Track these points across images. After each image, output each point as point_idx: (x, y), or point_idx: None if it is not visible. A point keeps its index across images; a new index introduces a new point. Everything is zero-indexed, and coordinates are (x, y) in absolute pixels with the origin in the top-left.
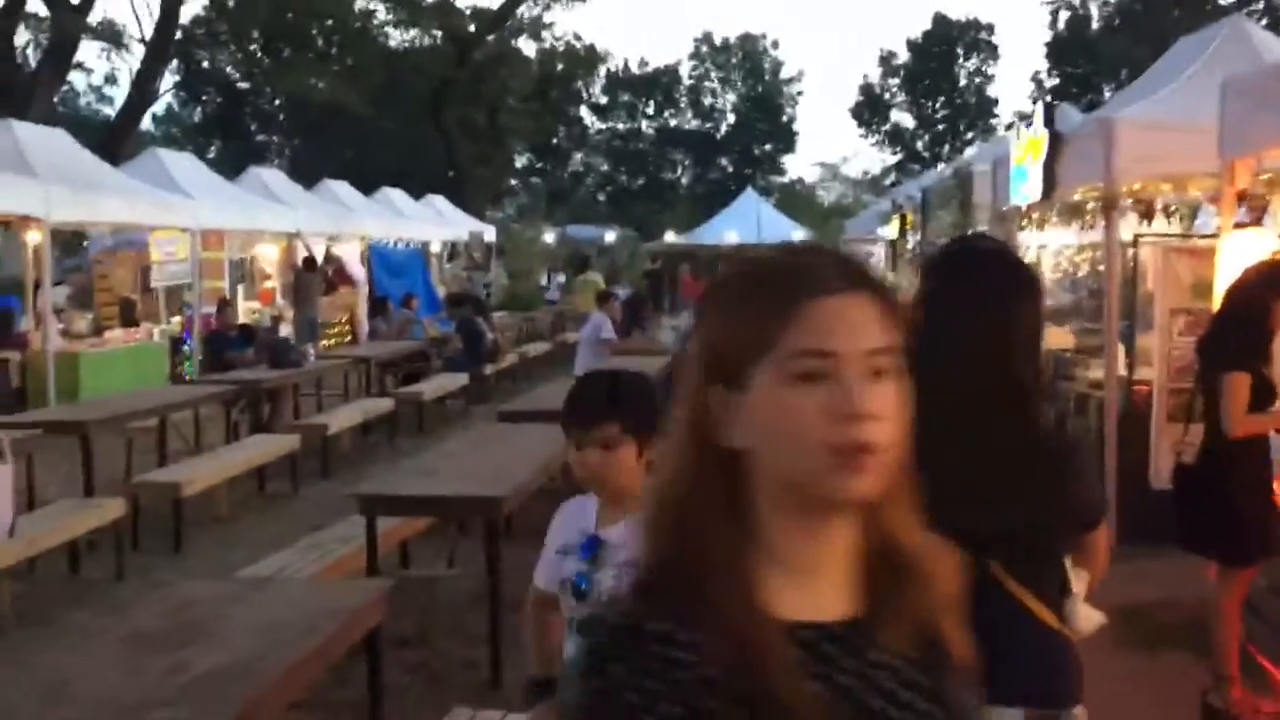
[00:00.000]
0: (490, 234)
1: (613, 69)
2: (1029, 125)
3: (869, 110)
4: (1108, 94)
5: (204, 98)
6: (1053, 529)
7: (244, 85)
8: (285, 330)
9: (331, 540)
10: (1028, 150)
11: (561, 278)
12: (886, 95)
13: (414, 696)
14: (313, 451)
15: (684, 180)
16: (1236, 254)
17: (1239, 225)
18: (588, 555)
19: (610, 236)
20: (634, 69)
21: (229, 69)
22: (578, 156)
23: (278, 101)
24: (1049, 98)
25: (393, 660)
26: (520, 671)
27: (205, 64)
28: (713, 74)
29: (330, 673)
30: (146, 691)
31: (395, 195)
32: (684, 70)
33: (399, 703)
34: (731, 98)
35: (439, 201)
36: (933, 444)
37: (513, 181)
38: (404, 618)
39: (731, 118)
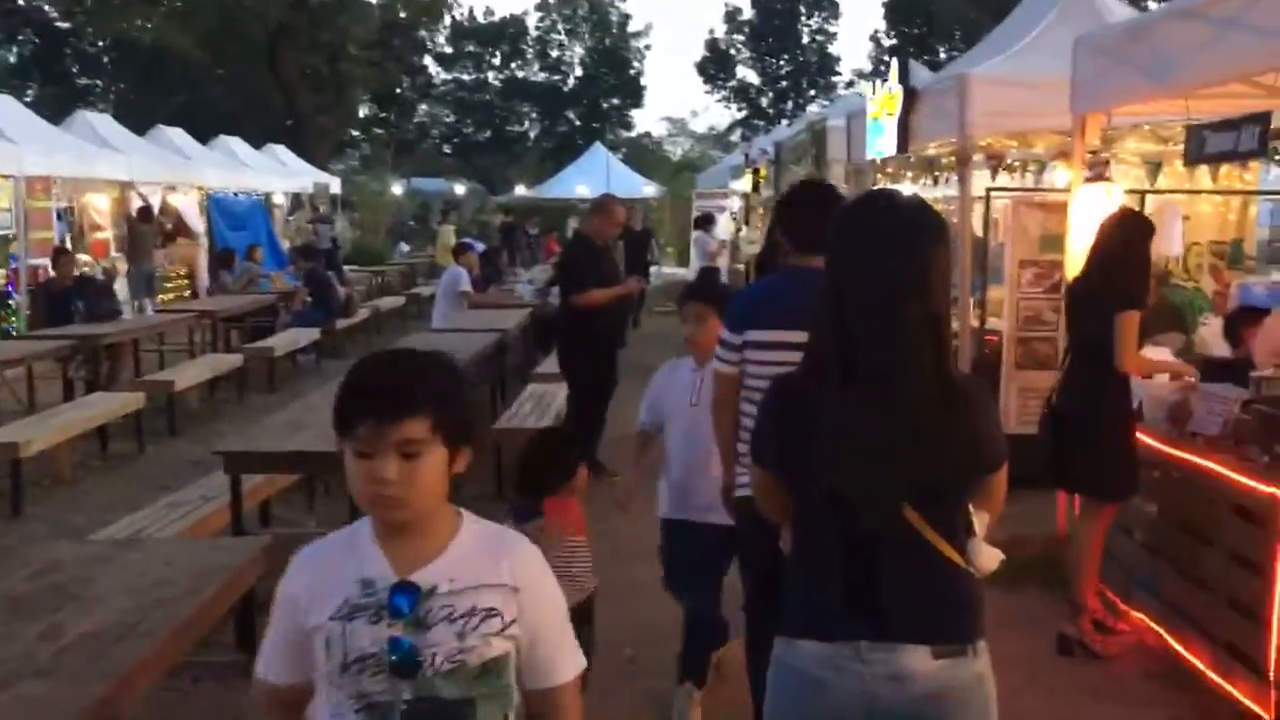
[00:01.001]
0: (335, 186)
1: (458, 18)
2: (884, 81)
3: (715, 66)
4: (943, 54)
5: (20, 38)
6: (963, 472)
7: (64, 25)
8: (120, 285)
9: (191, 499)
10: (883, 106)
11: (405, 248)
12: (732, 51)
13: None
14: (158, 410)
15: (531, 133)
16: (1087, 207)
17: (1087, 180)
18: (407, 609)
19: (459, 189)
20: (480, 18)
21: (47, 7)
22: (422, 108)
23: (102, 43)
24: (887, 56)
25: (261, 622)
26: None
27: (21, 1)
28: (560, 26)
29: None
30: (19, 659)
31: (234, 144)
32: (530, 21)
33: None
34: (579, 50)
35: (281, 151)
36: (849, 386)
37: (355, 132)
38: (269, 578)
39: (579, 71)
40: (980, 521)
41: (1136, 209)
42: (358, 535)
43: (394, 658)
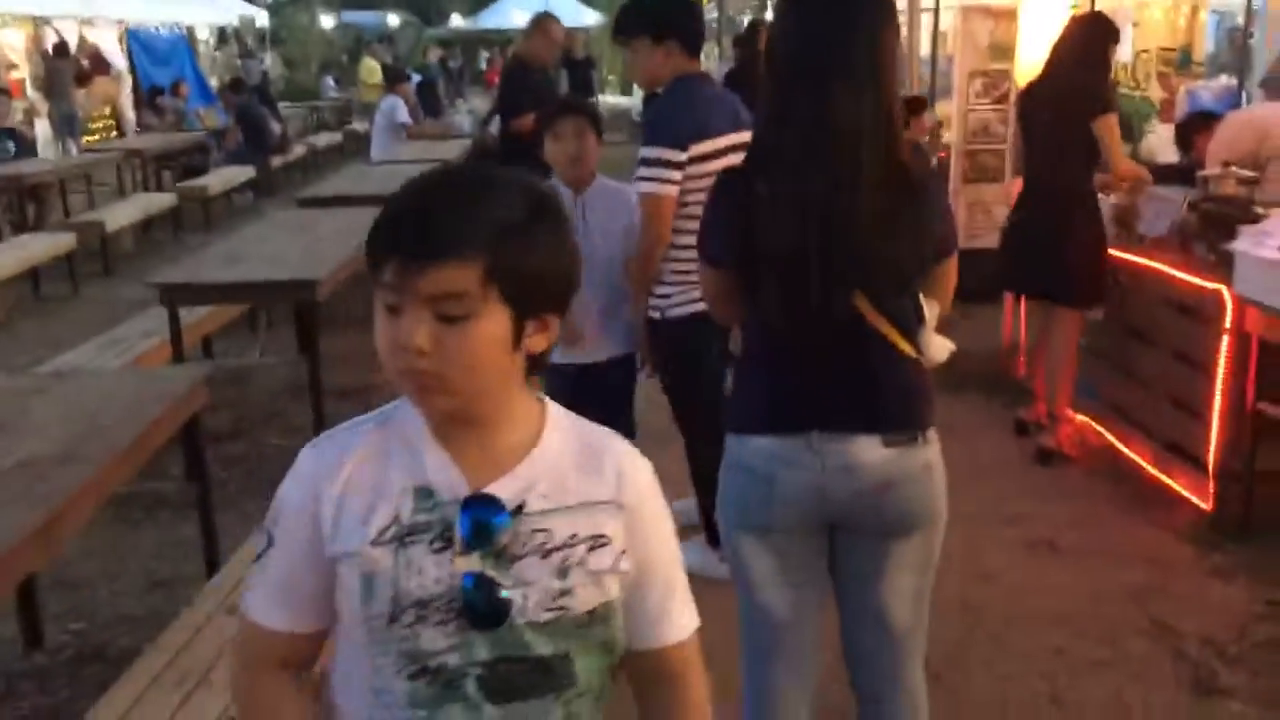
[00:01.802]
0: (262, 19)
1: None
2: None
3: None
4: None
5: None
6: (914, 259)
7: None
8: (41, 126)
9: (129, 336)
10: None
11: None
12: None
13: (237, 488)
14: (91, 252)
15: None
16: (1037, 13)
17: None
18: (488, 534)
19: (393, 21)
20: None
21: None
22: None
23: None
24: None
25: (209, 456)
26: None
27: None
28: None
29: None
30: None
31: None
32: None
33: (222, 495)
34: None
35: None
36: (804, 171)
37: None
38: (216, 412)
39: None
40: (930, 311)
41: (1094, 10)
42: (406, 425)
43: (471, 601)
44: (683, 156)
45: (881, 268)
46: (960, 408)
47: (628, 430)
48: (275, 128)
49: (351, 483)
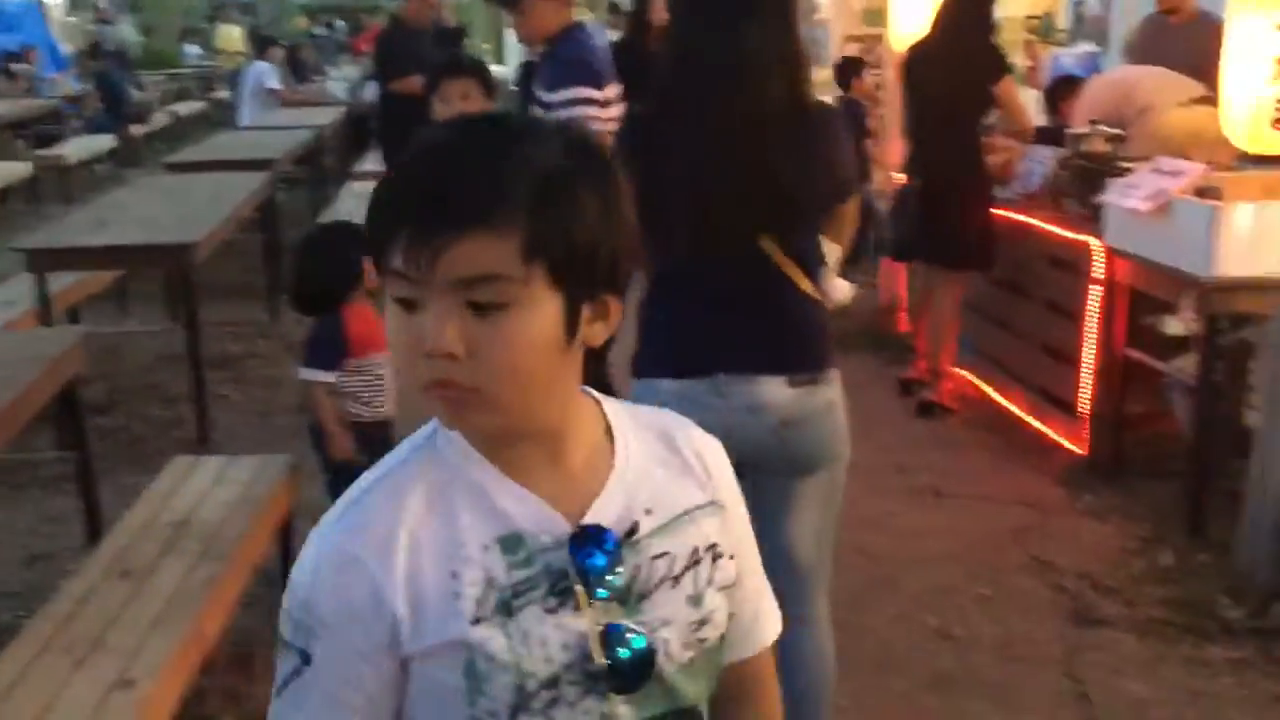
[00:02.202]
0: None
1: None
2: None
3: None
4: None
5: None
6: (818, 196)
7: None
8: None
9: None
10: None
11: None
12: None
13: (113, 461)
14: None
15: None
16: None
17: None
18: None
19: None
20: None
21: None
22: None
23: None
24: None
25: (94, 425)
26: (228, 429)
27: None
28: None
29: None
30: None
31: None
32: None
33: (98, 468)
34: None
35: None
36: (711, 108)
37: None
38: (90, 383)
39: None
40: (831, 253)
41: None
42: (456, 457)
43: (616, 662)
44: (602, 96)
45: (787, 204)
46: (844, 363)
47: None
48: (135, 95)
49: (416, 555)
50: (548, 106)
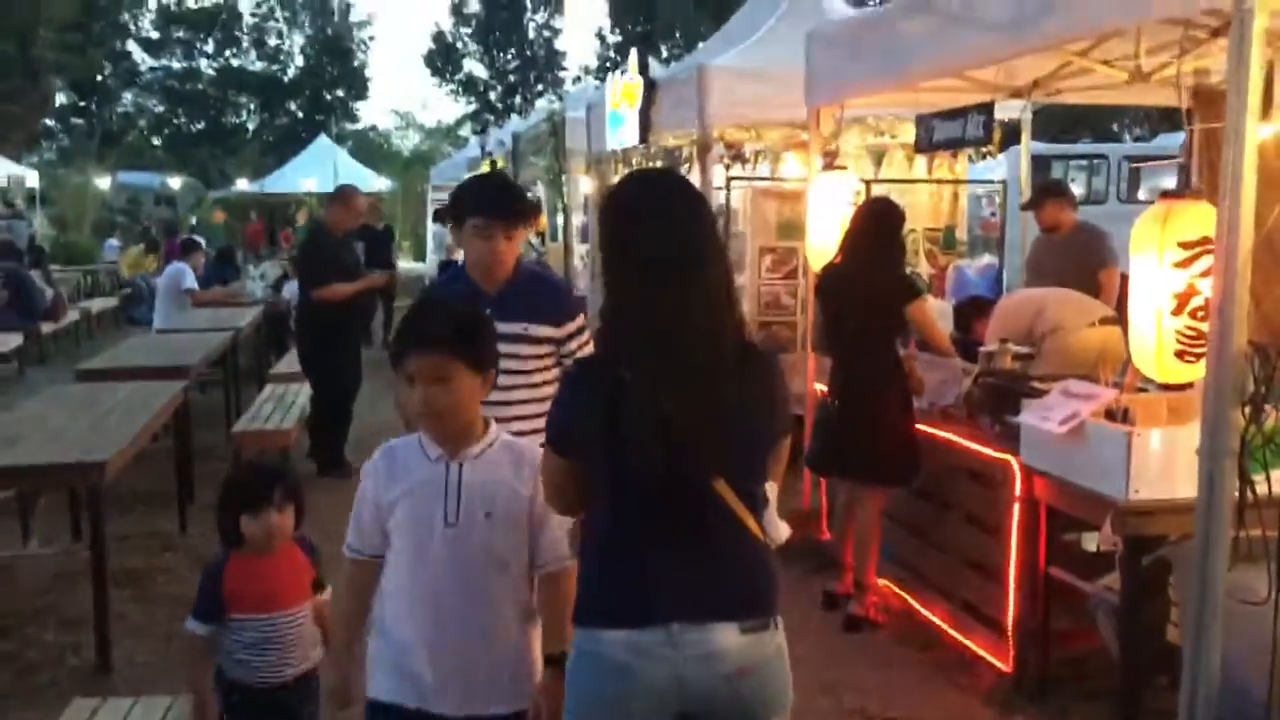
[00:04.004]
0: (31, 179)
1: (164, 2)
2: (623, 73)
3: (442, 59)
4: (664, 53)
5: None
6: (767, 438)
7: None
8: None
9: None
10: (624, 96)
11: (116, 244)
12: (459, 44)
13: (11, 692)
14: None
15: (250, 125)
16: (824, 194)
17: (824, 169)
18: None
19: (175, 183)
20: (190, 2)
21: None
22: (128, 96)
23: None
24: (612, 53)
25: None
26: (128, 653)
27: None
28: (278, 12)
29: None
30: None
31: None
32: (245, 6)
33: None
34: (299, 40)
35: None
36: (666, 357)
37: (49, 121)
38: None
39: (299, 60)
40: (772, 492)
41: (882, 196)
42: None
43: None
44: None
45: (740, 450)
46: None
47: None
48: (47, 292)
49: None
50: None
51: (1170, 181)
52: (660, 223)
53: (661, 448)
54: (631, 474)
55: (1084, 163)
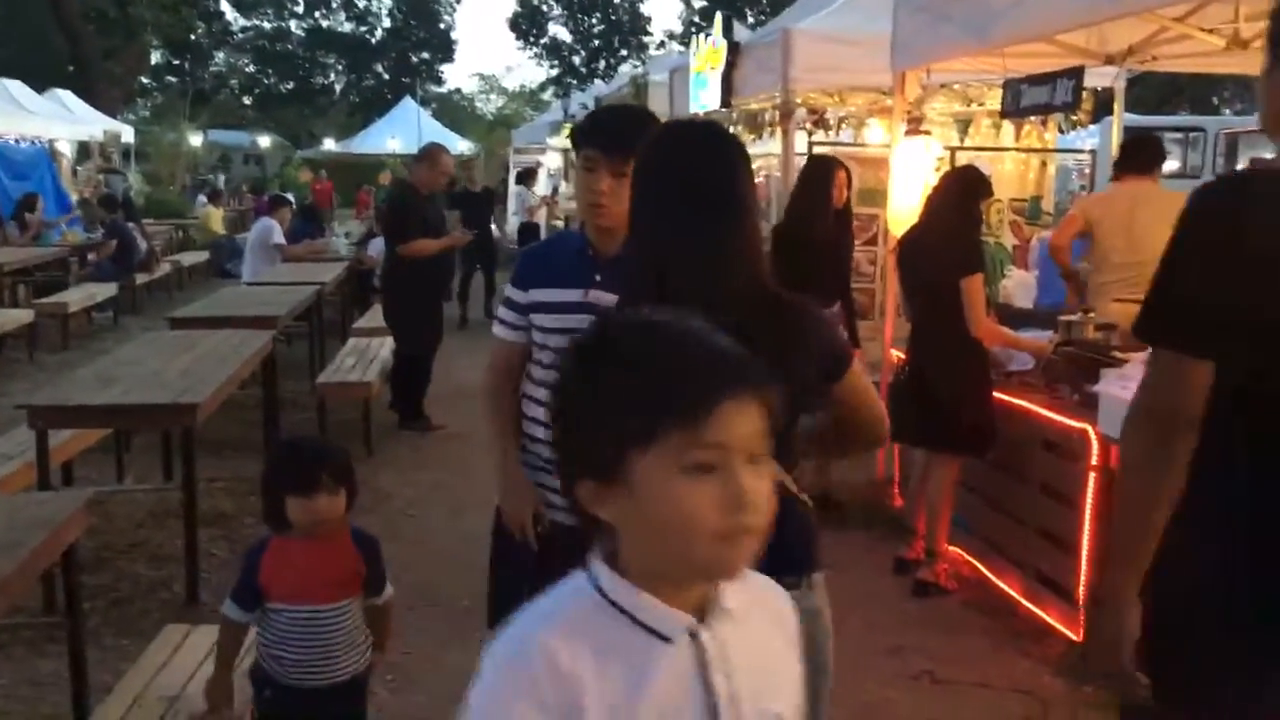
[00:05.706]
0: (127, 135)
1: None
2: (708, 36)
3: (527, 23)
4: (750, 19)
5: None
6: (803, 389)
7: None
8: None
9: None
10: (707, 59)
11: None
12: (544, 8)
13: (99, 620)
14: None
15: (337, 86)
16: (907, 160)
17: (907, 134)
18: None
19: (264, 142)
20: None
21: None
22: (220, 56)
23: None
24: (697, 18)
25: (89, 585)
26: (217, 588)
27: None
28: None
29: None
30: None
31: (14, 87)
32: None
33: (86, 626)
34: (387, 2)
35: (66, 97)
36: (684, 298)
37: (146, 80)
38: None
39: (387, 22)
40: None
41: (971, 164)
42: None
43: None
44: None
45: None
46: (837, 539)
47: None
48: (142, 245)
49: None
50: None
51: (1270, 155)
52: (705, 153)
53: None
54: None
55: (1180, 135)
